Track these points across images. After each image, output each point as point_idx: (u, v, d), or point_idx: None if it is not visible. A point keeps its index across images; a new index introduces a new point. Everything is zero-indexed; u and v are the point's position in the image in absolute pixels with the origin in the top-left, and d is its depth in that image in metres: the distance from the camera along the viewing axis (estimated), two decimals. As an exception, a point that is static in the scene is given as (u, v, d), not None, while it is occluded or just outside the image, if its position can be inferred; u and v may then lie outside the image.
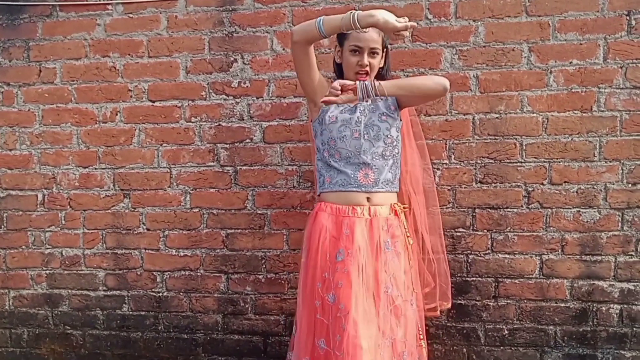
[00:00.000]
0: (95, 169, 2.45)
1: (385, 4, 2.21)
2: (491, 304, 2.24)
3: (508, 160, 2.19)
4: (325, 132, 1.90)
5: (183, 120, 2.38)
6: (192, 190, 2.39)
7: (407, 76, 2.21)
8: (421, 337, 1.93)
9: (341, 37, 1.93)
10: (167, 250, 2.43)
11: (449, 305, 2.11)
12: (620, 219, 2.16)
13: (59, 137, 2.46)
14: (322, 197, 1.92)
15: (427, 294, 2.06)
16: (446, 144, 2.22)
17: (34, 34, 2.45)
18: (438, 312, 2.11)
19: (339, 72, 1.99)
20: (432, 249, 2.08)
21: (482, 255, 2.23)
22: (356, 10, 1.75)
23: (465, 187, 2.22)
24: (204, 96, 2.36)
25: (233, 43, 2.33)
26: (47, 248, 2.51)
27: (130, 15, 2.38)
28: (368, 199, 1.87)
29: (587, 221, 2.17)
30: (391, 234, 1.87)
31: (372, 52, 1.89)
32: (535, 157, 2.17)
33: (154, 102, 2.39)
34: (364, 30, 1.82)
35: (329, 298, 1.77)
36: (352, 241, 1.80)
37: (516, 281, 2.22)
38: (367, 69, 1.89)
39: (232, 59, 2.33)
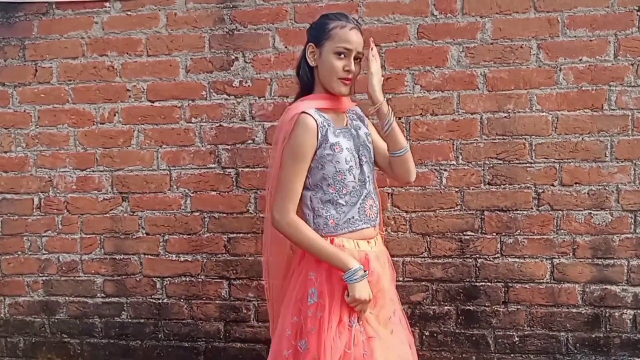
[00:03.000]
0: (93, 171, 2.87)
1: (391, 0, 2.60)
2: (501, 309, 2.62)
3: (517, 161, 2.57)
4: (329, 165, 1.94)
5: (183, 121, 2.79)
6: (192, 193, 2.80)
7: (413, 75, 2.60)
8: None
9: (320, 35, 1.98)
10: (167, 256, 2.84)
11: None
12: (633, 221, 2.52)
13: (56, 138, 2.89)
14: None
15: None
16: (453, 144, 2.60)
17: (29, 33, 2.88)
18: None
19: (310, 76, 2.03)
20: None
21: (491, 259, 2.61)
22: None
23: (473, 189, 2.60)
24: (205, 96, 2.77)
25: (234, 41, 2.73)
26: (44, 254, 2.94)
27: (129, 13, 2.80)
28: (374, 229, 2.05)
29: (598, 223, 2.54)
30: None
31: (356, 58, 1.98)
32: (545, 158, 2.55)
33: (153, 102, 2.81)
34: (352, 28, 1.95)
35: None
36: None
37: (526, 286, 2.59)
38: (352, 75, 1.97)
39: (233, 57, 2.74)
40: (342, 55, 1.95)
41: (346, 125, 2.07)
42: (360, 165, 2.02)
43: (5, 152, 2.93)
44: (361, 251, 1.97)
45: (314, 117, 1.94)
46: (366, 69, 2.02)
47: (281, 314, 2.01)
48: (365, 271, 1.90)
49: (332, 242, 1.95)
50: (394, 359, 1.95)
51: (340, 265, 1.89)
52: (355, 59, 1.98)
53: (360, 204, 2.00)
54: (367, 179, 2.03)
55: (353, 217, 1.98)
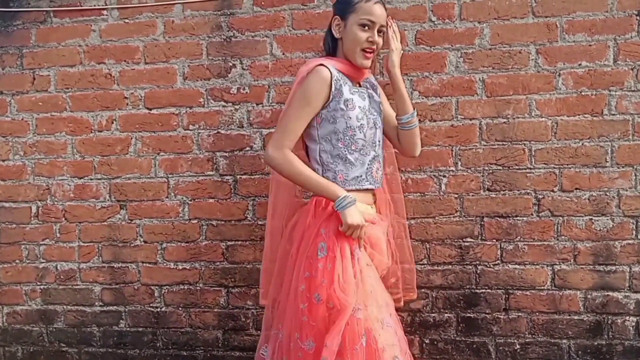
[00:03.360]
0: (91, 179, 2.84)
1: (388, 6, 2.54)
2: (502, 317, 2.58)
3: (517, 167, 2.53)
4: (340, 120, 2.06)
5: (181, 128, 2.76)
6: (190, 200, 2.77)
7: (411, 81, 2.57)
8: None
9: (346, 8, 2.09)
10: (165, 264, 2.81)
11: (415, 297, 2.41)
12: (634, 226, 2.48)
13: (54, 146, 2.87)
14: None
15: (392, 284, 2.31)
16: (452, 150, 2.57)
17: (27, 41, 2.86)
18: (402, 303, 2.34)
19: (333, 48, 2.16)
20: (394, 233, 2.35)
21: (492, 266, 2.57)
22: None
23: (472, 195, 2.57)
24: (202, 103, 2.74)
25: (231, 48, 2.71)
26: (42, 262, 2.91)
27: (126, 21, 2.78)
28: (374, 195, 2.20)
29: (600, 229, 2.50)
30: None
31: (379, 31, 2.11)
32: (545, 163, 2.51)
33: (150, 109, 2.78)
34: (377, 2, 2.08)
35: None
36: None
37: (527, 293, 2.55)
38: (375, 47, 2.10)
39: (230, 64, 2.71)
40: (366, 27, 2.07)
41: (365, 92, 2.19)
42: (376, 128, 2.15)
43: (3, 161, 2.91)
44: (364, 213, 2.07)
45: (329, 70, 2.06)
46: (387, 47, 2.18)
47: (294, 272, 2.07)
48: (353, 199, 2.01)
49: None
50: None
51: (331, 195, 2.02)
52: (378, 32, 2.11)
53: (368, 164, 2.12)
54: (377, 142, 2.16)
55: (360, 176, 2.11)
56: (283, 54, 2.67)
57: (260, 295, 2.34)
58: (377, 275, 2.14)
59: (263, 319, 2.33)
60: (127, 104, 2.80)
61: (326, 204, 2.10)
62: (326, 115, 2.08)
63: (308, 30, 2.63)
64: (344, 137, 2.07)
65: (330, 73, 2.05)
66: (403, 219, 2.41)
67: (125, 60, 2.79)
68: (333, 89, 2.05)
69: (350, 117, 2.07)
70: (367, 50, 2.09)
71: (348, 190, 2.06)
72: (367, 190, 2.15)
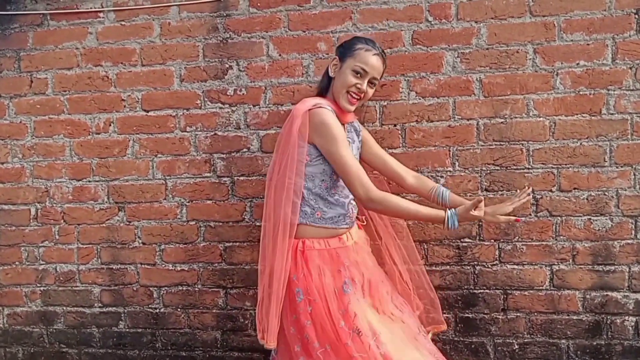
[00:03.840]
0: (89, 181, 2.82)
1: (384, 6, 2.54)
2: (500, 317, 2.54)
3: (514, 167, 2.49)
4: (325, 165, 2.10)
5: (178, 130, 2.73)
6: (188, 202, 2.74)
7: (408, 81, 2.53)
8: None
9: (346, 52, 2.16)
10: (163, 265, 2.79)
11: (445, 327, 2.39)
12: (633, 226, 2.45)
13: (52, 149, 2.84)
14: (306, 230, 2.11)
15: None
16: (450, 151, 2.53)
17: (24, 44, 2.83)
18: (431, 336, 2.34)
19: (326, 86, 2.22)
20: (408, 257, 2.39)
21: (490, 266, 2.54)
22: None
23: (470, 196, 2.52)
24: (199, 105, 2.71)
25: (228, 49, 2.67)
26: (41, 264, 2.89)
27: (123, 23, 2.75)
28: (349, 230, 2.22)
29: (598, 229, 2.46)
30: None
31: (371, 82, 2.16)
32: (542, 163, 2.47)
33: (147, 111, 2.75)
34: (375, 54, 2.14)
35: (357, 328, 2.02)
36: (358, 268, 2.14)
37: (526, 293, 2.52)
38: (361, 95, 2.14)
39: (227, 65, 2.68)
40: (359, 75, 2.12)
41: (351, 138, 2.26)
42: None
43: (2, 163, 2.89)
44: (331, 249, 2.12)
45: (329, 109, 2.11)
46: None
47: (281, 316, 2.08)
48: (451, 209, 2.06)
49: (303, 243, 2.10)
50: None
51: (435, 219, 2.08)
52: (370, 82, 2.15)
53: (347, 206, 2.17)
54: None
55: (338, 216, 2.15)
56: (279, 55, 2.63)
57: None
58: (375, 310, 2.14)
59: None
60: (125, 106, 2.77)
61: (301, 248, 2.10)
62: (321, 156, 2.10)
63: (304, 32, 2.60)
64: (329, 179, 2.13)
65: (333, 113, 2.11)
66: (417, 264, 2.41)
67: (122, 63, 2.76)
68: None
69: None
70: (353, 94, 2.14)
71: (323, 227, 2.12)
72: (341, 229, 2.16)
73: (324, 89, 2.24)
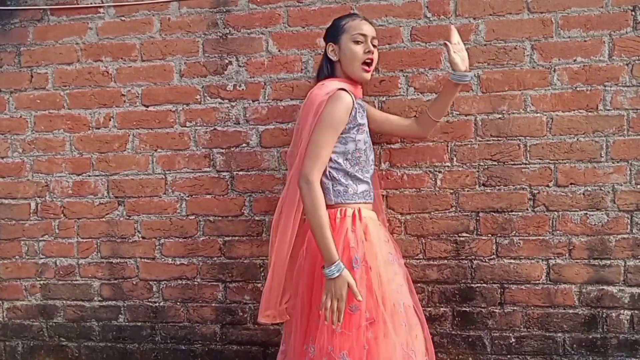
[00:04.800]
0: (89, 176, 2.78)
1: (383, 2, 2.51)
2: (497, 311, 2.52)
3: (512, 162, 2.47)
4: (350, 143, 2.12)
5: (178, 125, 2.70)
6: (187, 196, 2.71)
7: (406, 77, 2.51)
8: None
9: (336, 33, 2.17)
10: (163, 259, 2.75)
11: None
12: (629, 221, 2.42)
13: (52, 143, 2.80)
14: (344, 205, 2.11)
15: None
16: (447, 146, 2.50)
17: (25, 39, 2.79)
18: None
19: (331, 71, 2.21)
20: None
21: (487, 260, 2.51)
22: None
23: (468, 191, 2.50)
24: (199, 100, 2.67)
25: (227, 45, 2.64)
26: (41, 258, 2.85)
27: (123, 19, 2.71)
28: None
29: (594, 224, 2.44)
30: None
31: (373, 44, 2.17)
32: (540, 159, 2.45)
33: (147, 106, 2.72)
34: (362, 20, 2.17)
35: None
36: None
37: (522, 287, 2.50)
38: (373, 57, 2.15)
39: (226, 61, 2.64)
40: (360, 42, 2.14)
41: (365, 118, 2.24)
42: (370, 148, 2.23)
43: (2, 158, 2.84)
44: (376, 220, 2.19)
45: (351, 96, 2.08)
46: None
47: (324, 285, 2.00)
48: (344, 268, 1.95)
49: (359, 211, 2.09)
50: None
51: (327, 254, 1.96)
52: (373, 45, 2.17)
53: (371, 179, 2.21)
54: (372, 161, 2.24)
55: (366, 190, 2.17)
56: (279, 50, 2.60)
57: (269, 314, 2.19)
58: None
59: (283, 337, 2.28)
60: (125, 101, 2.73)
61: (342, 214, 2.09)
62: (340, 139, 2.10)
63: (304, 27, 2.56)
64: (352, 157, 2.13)
65: (352, 100, 2.08)
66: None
67: (122, 58, 2.72)
68: (351, 116, 2.09)
69: (359, 141, 2.14)
70: (367, 61, 2.15)
71: (360, 203, 2.13)
72: (371, 203, 2.20)
73: (328, 75, 2.21)
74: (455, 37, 2.18)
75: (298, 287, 2.17)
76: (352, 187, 2.12)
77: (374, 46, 2.18)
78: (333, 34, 2.20)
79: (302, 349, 2.08)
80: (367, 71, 2.17)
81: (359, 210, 2.10)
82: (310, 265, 2.12)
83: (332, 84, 2.13)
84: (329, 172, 2.11)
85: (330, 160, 2.10)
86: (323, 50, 2.27)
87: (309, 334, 2.07)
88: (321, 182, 2.06)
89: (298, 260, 2.19)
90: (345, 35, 2.15)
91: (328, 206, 2.06)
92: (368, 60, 2.15)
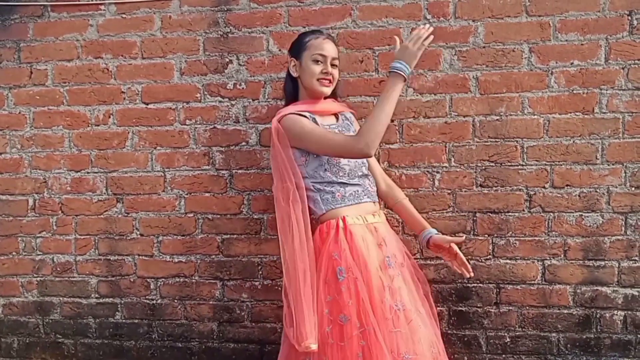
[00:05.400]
0: (88, 172, 2.76)
1: (384, 3, 2.51)
2: (492, 310, 2.52)
3: (509, 163, 2.48)
4: (322, 157, 2.13)
5: (177, 123, 2.68)
6: (186, 194, 2.69)
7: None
8: None
9: (299, 49, 2.21)
10: (161, 257, 2.73)
11: None
12: (623, 223, 2.44)
13: (51, 140, 2.77)
14: (338, 212, 2.11)
15: None
16: (446, 147, 2.51)
17: (25, 35, 2.76)
18: None
19: (294, 88, 2.25)
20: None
21: (483, 260, 2.52)
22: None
23: (465, 191, 2.51)
24: (199, 98, 2.66)
25: (228, 44, 2.63)
26: (38, 254, 2.82)
27: (123, 16, 2.69)
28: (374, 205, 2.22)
29: (589, 225, 2.45)
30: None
31: (333, 64, 2.19)
32: (536, 160, 2.46)
33: (147, 104, 2.70)
34: (325, 39, 2.19)
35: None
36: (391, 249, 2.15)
37: (518, 287, 2.50)
38: (331, 77, 2.18)
39: (227, 60, 2.63)
40: (319, 62, 2.16)
41: (337, 121, 2.27)
42: None
43: (0, 154, 2.81)
44: (369, 224, 2.13)
45: (295, 114, 2.13)
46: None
47: (315, 297, 2.01)
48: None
49: (343, 220, 2.07)
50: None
51: (396, 79, 2.04)
52: (332, 65, 2.19)
53: (361, 181, 2.17)
54: (363, 164, 2.21)
55: (357, 192, 2.15)
56: (279, 50, 2.59)
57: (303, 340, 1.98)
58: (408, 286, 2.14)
59: (282, 349, 2.21)
60: (124, 99, 2.71)
61: (327, 227, 2.10)
62: (310, 153, 2.13)
63: (304, 27, 2.55)
64: (330, 167, 2.13)
65: (300, 114, 2.12)
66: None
67: (122, 55, 2.70)
68: None
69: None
70: (323, 79, 2.17)
71: (349, 206, 2.12)
72: (365, 203, 2.17)
73: (292, 93, 2.26)
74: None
75: None
76: (338, 192, 2.12)
77: (334, 66, 2.20)
78: (296, 50, 2.23)
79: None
80: (326, 85, 2.18)
81: (344, 219, 2.08)
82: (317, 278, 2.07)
83: (281, 112, 2.18)
84: (313, 185, 2.13)
85: (309, 176, 2.13)
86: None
87: None
88: (308, 196, 2.11)
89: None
90: (306, 53, 2.17)
91: (320, 218, 2.13)
92: (324, 79, 2.17)
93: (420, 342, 2.02)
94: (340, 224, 2.09)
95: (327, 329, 2.00)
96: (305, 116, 2.13)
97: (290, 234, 2.07)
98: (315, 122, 2.15)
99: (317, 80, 2.16)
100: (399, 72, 2.02)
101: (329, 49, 2.18)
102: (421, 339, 2.03)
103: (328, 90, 2.20)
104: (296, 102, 2.24)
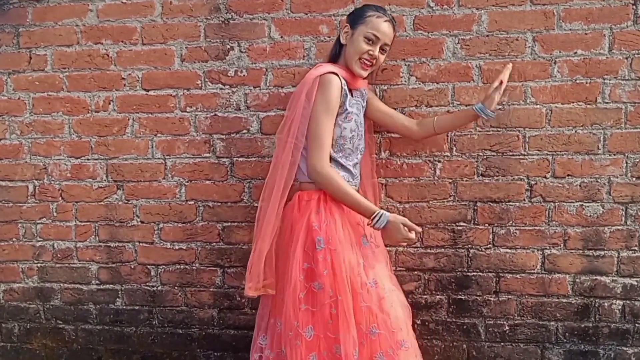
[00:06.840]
0: (88, 159, 2.70)
1: (387, -9, 2.44)
2: (492, 299, 2.49)
3: (510, 153, 2.43)
4: (336, 129, 2.10)
5: (178, 110, 2.62)
6: (187, 182, 2.64)
7: (408, 66, 2.45)
8: None
9: (356, 19, 2.12)
10: (161, 244, 2.69)
11: None
12: (623, 213, 2.40)
13: (50, 126, 2.71)
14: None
15: None
16: (447, 136, 2.45)
17: (24, 20, 2.68)
18: None
19: (338, 52, 2.19)
20: None
21: (483, 249, 2.48)
22: None
23: (466, 180, 2.46)
24: (200, 85, 2.60)
25: (229, 30, 2.56)
26: (39, 240, 2.77)
27: (124, 1, 2.61)
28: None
29: (590, 215, 2.41)
30: None
31: (383, 48, 2.13)
32: (538, 150, 2.41)
33: (148, 91, 2.63)
34: (386, 21, 2.11)
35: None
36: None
37: (517, 276, 2.47)
38: (373, 61, 2.12)
39: (228, 46, 2.57)
40: (370, 42, 2.09)
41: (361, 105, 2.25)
42: (359, 137, 2.19)
43: (0, 140, 2.76)
44: None
45: (340, 79, 2.08)
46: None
47: (291, 263, 2.04)
48: (386, 214, 2.02)
49: (325, 194, 2.09)
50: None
51: (365, 212, 2.04)
52: (381, 49, 2.12)
53: (352, 168, 2.18)
54: (360, 150, 2.23)
55: (345, 176, 2.13)
56: (281, 37, 2.53)
57: (251, 287, 2.13)
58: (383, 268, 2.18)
59: (258, 310, 2.26)
60: (125, 85, 2.64)
61: (309, 196, 2.11)
62: None
63: (306, 14, 2.49)
64: (336, 144, 2.12)
65: (341, 82, 2.08)
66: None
67: (122, 41, 2.63)
68: (341, 98, 2.09)
69: (345, 128, 2.12)
70: (366, 61, 2.11)
71: None
72: (351, 184, 2.16)
73: (335, 55, 2.21)
74: (506, 77, 2.19)
75: (278, 266, 2.15)
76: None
77: (383, 50, 2.14)
78: (353, 19, 2.14)
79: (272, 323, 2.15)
80: (364, 68, 2.13)
81: (325, 193, 2.09)
82: (292, 243, 2.09)
83: (325, 67, 2.11)
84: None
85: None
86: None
87: (276, 309, 2.11)
88: (292, 159, 2.10)
89: (280, 240, 2.16)
90: (362, 27, 2.09)
91: (302, 185, 2.16)
92: (367, 61, 2.11)
93: (392, 306, 2.04)
94: (322, 196, 2.10)
95: (301, 294, 2.01)
96: (342, 85, 2.09)
97: (279, 195, 2.10)
98: (345, 100, 2.11)
99: (359, 59, 2.10)
100: (376, 226, 2.06)
101: (386, 32, 2.10)
102: (393, 303, 2.05)
103: (364, 74, 2.15)
104: (338, 64, 2.17)
